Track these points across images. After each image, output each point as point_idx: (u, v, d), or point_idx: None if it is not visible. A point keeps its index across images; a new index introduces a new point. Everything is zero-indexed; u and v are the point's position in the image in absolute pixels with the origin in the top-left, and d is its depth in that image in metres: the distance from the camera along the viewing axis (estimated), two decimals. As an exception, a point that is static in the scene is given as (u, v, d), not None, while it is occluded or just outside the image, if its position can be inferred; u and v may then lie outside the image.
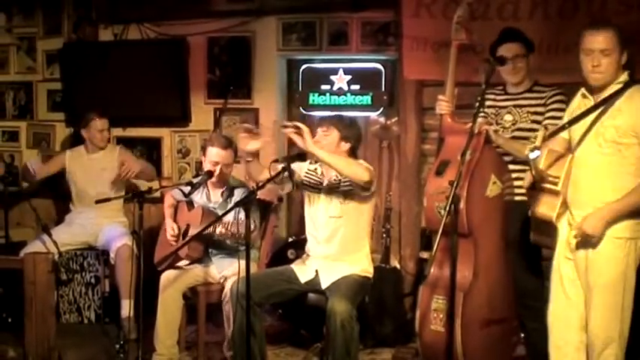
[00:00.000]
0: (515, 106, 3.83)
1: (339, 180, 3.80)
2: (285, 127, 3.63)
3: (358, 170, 3.61)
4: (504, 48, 3.77)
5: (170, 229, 4.34)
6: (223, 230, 3.96)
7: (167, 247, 4.32)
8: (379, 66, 5.29)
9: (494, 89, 3.92)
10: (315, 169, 3.95)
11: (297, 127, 3.55)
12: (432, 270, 3.53)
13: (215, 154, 4.22)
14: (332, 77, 5.38)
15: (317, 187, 3.91)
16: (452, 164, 3.53)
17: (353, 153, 3.87)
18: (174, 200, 4.52)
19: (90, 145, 5.09)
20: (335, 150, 3.77)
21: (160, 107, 5.50)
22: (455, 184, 3.13)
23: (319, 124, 3.87)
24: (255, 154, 3.89)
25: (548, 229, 3.27)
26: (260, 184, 3.76)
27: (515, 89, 3.86)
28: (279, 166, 3.70)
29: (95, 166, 5.05)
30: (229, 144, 4.24)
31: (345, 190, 3.77)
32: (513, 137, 3.76)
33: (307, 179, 3.96)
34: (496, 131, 3.72)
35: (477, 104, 3.47)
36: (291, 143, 3.72)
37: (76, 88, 5.66)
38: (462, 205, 3.34)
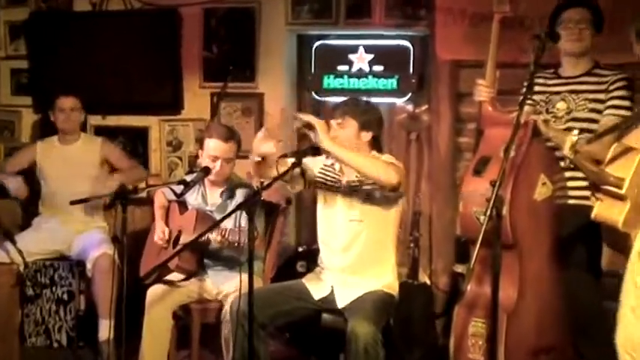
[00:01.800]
0: (570, 92, 3.82)
1: (362, 178, 3.81)
2: (295, 118, 3.64)
3: (386, 171, 3.61)
4: (569, 13, 3.75)
5: (160, 232, 4.37)
6: (219, 238, 3.98)
7: (155, 257, 4.34)
8: (407, 43, 5.29)
9: (545, 72, 3.91)
10: (332, 164, 3.95)
11: (309, 125, 3.56)
12: (469, 287, 3.54)
13: (214, 148, 4.23)
14: (350, 56, 5.39)
15: (334, 186, 3.92)
16: (493, 161, 3.53)
17: (376, 143, 3.88)
18: (166, 200, 4.55)
19: (63, 135, 5.13)
20: (355, 143, 3.78)
21: (146, 91, 5.53)
22: (497, 185, 3.12)
23: (331, 114, 3.87)
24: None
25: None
26: (265, 182, 3.77)
27: (571, 71, 3.85)
28: (289, 162, 3.71)
29: (70, 160, 5.08)
30: (231, 135, 4.26)
31: (367, 190, 3.79)
32: (567, 129, 3.75)
33: (322, 176, 3.97)
34: (546, 121, 3.71)
35: (524, 89, 3.45)
36: (303, 135, 3.73)
37: (45, 68, 5.69)
38: (505, 209, 3.33)
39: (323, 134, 3.54)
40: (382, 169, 3.61)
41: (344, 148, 3.62)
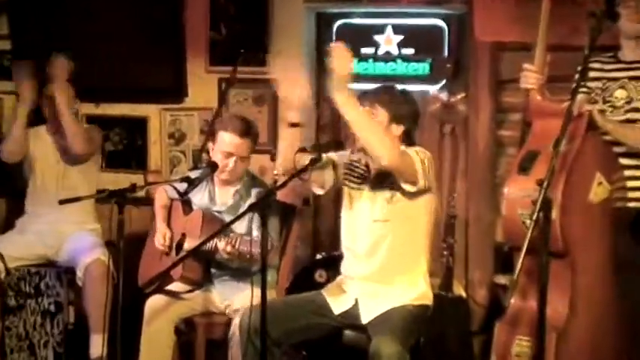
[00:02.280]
0: (630, 78, 3.79)
1: (388, 171, 3.78)
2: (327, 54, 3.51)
3: (383, 146, 3.55)
4: None
5: (161, 235, 4.38)
6: (229, 248, 3.98)
7: (156, 263, 4.35)
8: (441, 23, 5.28)
9: (602, 56, 3.88)
10: (359, 159, 3.95)
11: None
12: (512, 301, 3.51)
13: (229, 143, 4.23)
14: (377, 37, 5.39)
15: (360, 182, 3.92)
16: (541, 157, 3.50)
17: (408, 138, 3.87)
18: (168, 198, 4.56)
19: (51, 124, 5.13)
20: None
21: (144, 76, 5.54)
22: (545, 185, 3.10)
23: (360, 101, 3.86)
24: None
25: None
26: (279, 181, 3.77)
27: (632, 55, 3.82)
28: (307, 157, 3.70)
29: (59, 150, 5.09)
30: (249, 130, 4.27)
31: (393, 184, 3.78)
32: (627, 120, 3.72)
33: (348, 172, 3.97)
34: (603, 112, 3.69)
35: (578, 75, 3.43)
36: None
37: (30, 49, 5.70)
38: (555, 213, 3.30)
39: (338, 80, 3.47)
40: (386, 144, 3.58)
41: (356, 108, 3.55)
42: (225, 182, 4.34)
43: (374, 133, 3.60)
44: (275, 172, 4.64)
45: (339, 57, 3.49)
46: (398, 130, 3.84)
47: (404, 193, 3.77)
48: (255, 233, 3.42)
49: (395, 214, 3.83)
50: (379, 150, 3.58)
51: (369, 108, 3.80)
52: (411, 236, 3.87)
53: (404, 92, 3.95)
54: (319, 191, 3.98)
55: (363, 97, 3.85)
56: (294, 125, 3.71)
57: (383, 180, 3.83)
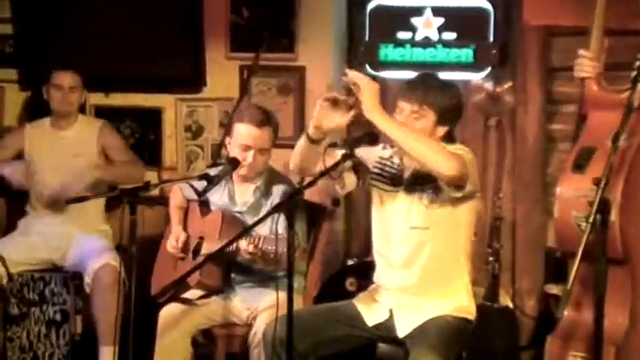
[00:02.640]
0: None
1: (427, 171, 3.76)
2: (343, 75, 3.58)
3: (445, 159, 3.55)
4: None
5: (174, 238, 4.39)
6: (251, 248, 3.98)
7: (171, 269, 4.37)
8: (486, 4, 5.24)
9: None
10: (391, 156, 3.93)
11: (355, 86, 3.53)
12: (565, 312, 3.50)
13: (246, 135, 4.24)
14: (414, 21, 5.36)
15: (393, 184, 3.91)
16: (598, 154, 3.50)
17: (449, 137, 3.84)
18: (185, 199, 4.57)
19: (57, 119, 5.17)
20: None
21: (159, 63, 5.55)
22: (603, 184, 3.08)
23: (403, 94, 3.80)
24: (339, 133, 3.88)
25: None
26: (307, 179, 3.76)
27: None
28: (339, 153, 3.69)
29: (65, 148, 5.11)
30: (267, 120, 4.27)
31: (433, 187, 3.76)
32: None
33: (379, 172, 3.95)
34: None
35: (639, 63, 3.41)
36: (354, 119, 3.70)
37: (34, 34, 5.74)
38: (614, 215, 3.30)
39: (370, 100, 3.49)
40: (442, 155, 3.55)
41: (396, 124, 3.57)
42: (244, 178, 4.35)
43: (427, 148, 3.55)
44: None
45: (362, 85, 3.52)
46: (442, 131, 3.78)
47: (446, 197, 3.74)
48: (280, 230, 3.42)
49: (435, 220, 3.79)
50: (438, 164, 3.52)
51: (417, 107, 3.76)
52: (453, 244, 3.84)
53: (450, 86, 3.88)
54: (340, 191, 3.98)
55: (409, 94, 3.78)
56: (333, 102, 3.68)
57: (422, 182, 3.79)
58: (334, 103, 3.65)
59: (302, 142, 3.76)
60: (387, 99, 5.21)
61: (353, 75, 3.56)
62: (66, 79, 5.08)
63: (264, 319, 3.98)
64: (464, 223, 3.84)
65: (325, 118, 3.66)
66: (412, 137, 3.55)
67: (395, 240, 3.87)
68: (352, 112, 3.62)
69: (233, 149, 4.30)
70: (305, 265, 4.43)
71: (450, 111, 3.79)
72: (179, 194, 4.59)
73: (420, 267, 3.83)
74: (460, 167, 3.53)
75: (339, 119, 3.65)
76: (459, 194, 3.66)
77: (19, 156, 5.17)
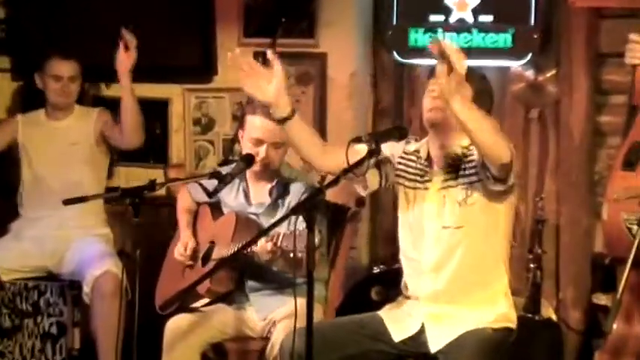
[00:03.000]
0: None
1: (459, 164, 3.77)
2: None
3: (502, 143, 3.51)
4: None
5: (182, 245, 4.40)
6: (270, 246, 3.96)
7: (177, 278, 4.38)
8: (527, -16, 5.25)
9: None
10: (417, 150, 3.92)
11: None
12: (614, 325, 3.47)
13: (258, 128, 4.24)
14: (448, 2, 5.35)
15: (420, 181, 3.90)
16: (652, 149, 3.49)
17: None
18: (194, 201, 4.59)
19: (53, 110, 5.19)
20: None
21: (166, 50, 5.57)
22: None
23: (432, 82, 3.80)
24: None
25: None
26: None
27: None
28: (360, 149, 3.67)
29: (61, 138, 5.14)
30: None
31: (467, 183, 3.75)
32: None
33: (404, 168, 3.94)
34: None
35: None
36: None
37: (28, 19, 5.77)
38: (668, 217, 3.29)
39: (459, 86, 3.34)
40: (500, 138, 3.52)
41: (475, 111, 3.45)
42: (259, 176, 4.35)
43: (492, 134, 3.51)
44: None
45: (454, 56, 3.32)
46: None
47: (482, 193, 3.73)
48: (300, 227, 3.42)
49: (469, 218, 3.77)
50: (499, 149, 3.50)
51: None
52: (490, 244, 3.82)
53: (478, 71, 3.86)
54: (362, 191, 3.98)
55: (431, 75, 3.79)
56: None
57: (453, 177, 3.79)
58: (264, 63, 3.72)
59: None
60: (417, 88, 5.25)
61: (446, 50, 3.34)
62: (65, 68, 5.10)
63: (281, 332, 3.98)
64: (502, 220, 3.82)
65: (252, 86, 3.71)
66: (485, 124, 3.48)
67: (424, 242, 3.86)
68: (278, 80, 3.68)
69: (245, 144, 4.31)
70: (326, 272, 4.43)
71: (481, 93, 3.75)
72: (187, 197, 4.61)
73: (452, 271, 3.81)
74: (512, 154, 3.54)
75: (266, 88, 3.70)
76: (502, 187, 3.66)
77: (11, 148, 5.20)
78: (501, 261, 3.86)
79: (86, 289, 4.80)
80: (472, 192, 3.75)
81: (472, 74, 3.78)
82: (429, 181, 3.85)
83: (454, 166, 3.76)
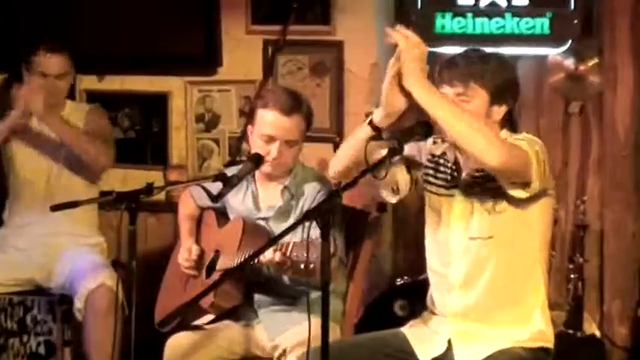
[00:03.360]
0: None
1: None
2: (386, 35, 3.51)
3: (482, 143, 3.46)
4: None
5: (186, 250, 4.41)
6: (279, 256, 3.93)
7: (179, 292, 4.38)
8: (566, -37, 5.23)
9: None
10: (444, 152, 3.90)
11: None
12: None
13: (271, 123, 4.22)
14: (478, -17, 5.36)
15: (447, 186, 3.87)
16: None
17: (509, 121, 3.79)
18: (197, 206, 4.59)
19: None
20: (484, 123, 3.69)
21: (165, 39, 5.58)
22: None
23: (442, 78, 3.73)
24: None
25: None
26: (345, 179, 3.74)
27: None
28: (384, 148, 3.65)
29: (49, 140, 5.11)
30: (297, 105, 4.25)
31: (494, 188, 3.72)
32: None
33: (431, 172, 3.93)
34: None
35: None
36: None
37: (13, 7, 5.78)
38: None
39: (410, 63, 3.45)
40: (486, 140, 3.47)
41: (439, 96, 3.50)
42: (269, 177, 4.35)
43: (473, 130, 3.49)
44: None
45: (407, 45, 3.47)
46: (500, 112, 3.74)
47: (512, 199, 3.70)
48: (313, 235, 3.39)
49: (500, 228, 3.76)
50: (483, 150, 3.46)
51: (461, 88, 3.73)
52: (524, 256, 3.81)
53: (497, 57, 3.82)
54: (391, 198, 3.98)
55: (448, 74, 3.74)
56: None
57: (482, 182, 3.77)
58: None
59: (360, 136, 3.68)
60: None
61: (394, 33, 3.50)
62: (53, 64, 5.05)
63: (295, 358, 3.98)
64: (537, 228, 3.80)
65: (397, 96, 3.58)
66: (456, 115, 3.49)
67: (452, 254, 3.86)
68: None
69: (255, 141, 4.29)
70: (344, 284, 4.43)
71: (503, 84, 3.73)
72: (190, 201, 4.61)
73: (482, 286, 3.80)
74: (509, 158, 3.49)
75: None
76: (523, 195, 3.63)
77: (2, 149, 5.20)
78: (537, 274, 3.84)
79: (78, 304, 4.80)
80: (501, 198, 3.73)
81: (490, 59, 3.78)
82: (455, 187, 3.85)
83: (482, 172, 3.74)
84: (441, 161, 3.92)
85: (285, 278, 4.14)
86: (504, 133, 3.76)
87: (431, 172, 3.93)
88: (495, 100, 3.72)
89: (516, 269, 3.80)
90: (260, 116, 4.27)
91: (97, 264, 4.92)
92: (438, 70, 3.76)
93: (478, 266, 3.80)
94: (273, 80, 5.42)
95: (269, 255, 3.95)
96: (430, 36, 5.32)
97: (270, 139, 4.24)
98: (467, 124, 3.48)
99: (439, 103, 3.48)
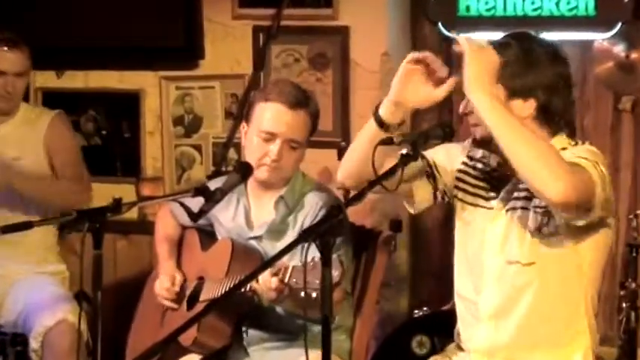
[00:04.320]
0: None
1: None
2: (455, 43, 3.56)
3: (546, 174, 3.46)
4: None
5: (167, 278, 4.42)
6: (275, 283, 3.92)
7: (155, 325, 4.42)
8: None
9: None
10: (485, 155, 3.91)
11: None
12: None
13: (273, 117, 4.24)
14: (509, -39, 5.43)
15: (484, 197, 3.86)
16: None
17: (544, 115, 3.74)
18: (178, 224, 4.64)
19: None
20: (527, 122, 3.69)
21: (137, 27, 5.66)
22: None
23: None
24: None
25: None
26: (353, 190, 3.79)
27: None
28: (396, 154, 3.70)
29: (1, 150, 5.17)
30: (303, 100, 4.28)
31: (544, 206, 3.74)
32: None
33: (466, 178, 3.92)
34: None
35: None
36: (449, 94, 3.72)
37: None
38: None
39: (474, 71, 3.48)
40: (550, 169, 3.46)
41: (504, 112, 3.50)
42: (264, 186, 4.36)
43: (537, 156, 3.49)
44: None
45: (466, 50, 3.51)
46: (526, 108, 3.66)
47: (564, 224, 3.67)
48: (313, 258, 3.40)
49: (544, 254, 3.73)
50: (544, 183, 3.45)
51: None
52: (568, 292, 3.80)
53: (529, 39, 3.76)
54: (410, 207, 3.97)
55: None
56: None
57: (529, 196, 3.74)
58: (426, 67, 3.66)
59: (366, 133, 3.75)
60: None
61: (461, 40, 3.54)
62: (9, 60, 5.11)
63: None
64: (588, 261, 3.78)
65: (411, 89, 3.67)
66: (519, 135, 3.49)
67: (484, 278, 3.84)
68: (450, 85, 3.64)
69: (251, 141, 4.30)
70: (351, 317, 4.45)
71: (529, 77, 3.67)
72: (170, 219, 4.65)
73: (516, 320, 3.79)
74: (572, 191, 3.45)
75: (432, 93, 3.67)
76: (580, 222, 3.62)
77: None
78: (584, 311, 3.83)
79: (34, 344, 4.85)
80: (550, 219, 3.71)
81: (511, 46, 3.70)
82: (495, 198, 3.83)
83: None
84: (480, 166, 3.90)
85: (281, 307, 4.16)
86: (562, 140, 3.72)
87: (467, 177, 3.91)
88: (515, 94, 3.68)
89: (558, 305, 3.79)
90: (260, 110, 4.28)
91: (56, 296, 4.97)
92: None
93: (513, 296, 3.78)
94: (265, 74, 5.46)
95: (263, 280, 3.94)
96: (453, 20, 5.42)
97: (271, 137, 4.24)
98: (531, 148, 3.48)
99: (501, 118, 3.49)
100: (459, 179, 3.93)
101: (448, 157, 3.94)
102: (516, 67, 3.68)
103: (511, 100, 3.66)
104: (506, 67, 3.65)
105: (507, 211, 3.77)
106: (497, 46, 3.69)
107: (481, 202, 3.85)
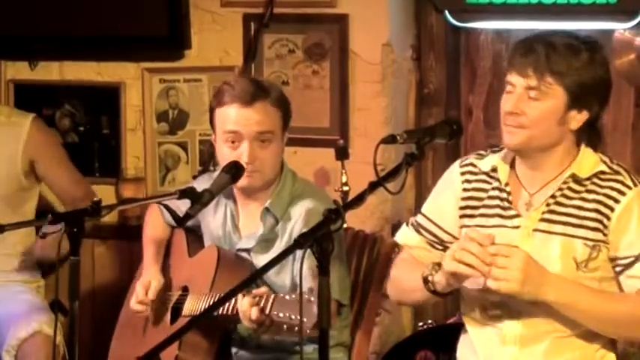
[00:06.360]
0: None
1: (576, 197, 3.72)
2: None
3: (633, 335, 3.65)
4: None
5: (141, 287, 4.39)
6: (255, 314, 3.83)
7: (137, 338, 4.41)
8: None
9: None
10: (494, 168, 3.84)
11: None
12: None
13: (230, 119, 4.23)
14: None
15: (505, 216, 3.82)
16: None
17: (591, 131, 3.78)
18: (167, 224, 4.62)
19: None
20: (553, 132, 3.71)
21: (117, 16, 5.63)
22: None
23: (513, 64, 3.69)
24: None
25: None
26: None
27: None
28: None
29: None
30: (259, 91, 4.25)
31: (592, 239, 3.70)
32: None
33: (472, 206, 3.88)
34: None
35: None
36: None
37: None
38: None
39: (521, 274, 3.47)
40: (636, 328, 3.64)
41: (583, 298, 3.60)
42: (247, 194, 4.35)
43: (625, 327, 3.63)
44: (345, 179, 4.64)
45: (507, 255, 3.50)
46: (578, 120, 3.68)
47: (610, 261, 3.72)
48: (306, 286, 3.35)
49: (585, 280, 3.71)
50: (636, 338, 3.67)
51: (535, 81, 3.71)
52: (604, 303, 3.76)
53: (591, 47, 3.71)
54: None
55: (522, 58, 3.67)
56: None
57: (567, 222, 3.72)
58: None
59: (415, 285, 3.75)
60: (479, 65, 5.30)
61: (495, 249, 3.52)
62: None
63: None
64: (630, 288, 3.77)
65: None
66: (602, 312, 3.59)
67: (509, 302, 3.75)
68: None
69: (221, 149, 4.30)
70: (347, 332, 4.44)
71: (591, 85, 3.67)
72: (158, 218, 4.63)
73: (544, 349, 3.77)
74: None
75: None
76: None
77: None
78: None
79: (7, 358, 4.85)
80: (598, 253, 3.70)
81: (581, 51, 3.65)
82: (517, 216, 3.78)
83: (560, 209, 3.73)
84: (486, 185, 3.87)
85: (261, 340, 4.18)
86: (590, 155, 3.75)
87: (474, 202, 3.86)
88: (575, 104, 3.67)
89: (592, 338, 3.77)
90: (218, 117, 4.29)
91: (30, 307, 4.98)
92: (510, 53, 3.74)
93: (542, 322, 3.75)
94: (256, 66, 5.47)
95: (244, 308, 3.87)
96: (461, 7, 5.42)
97: (236, 138, 4.24)
98: (620, 324, 3.62)
99: (579, 301, 3.59)
100: (463, 207, 3.91)
101: (444, 208, 3.95)
102: (585, 75, 3.66)
103: (569, 111, 3.67)
104: (573, 73, 3.65)
105: (536, 231, 3.75)
106: (566, 47, 3.68)
107: (505, 222, 3.81)
